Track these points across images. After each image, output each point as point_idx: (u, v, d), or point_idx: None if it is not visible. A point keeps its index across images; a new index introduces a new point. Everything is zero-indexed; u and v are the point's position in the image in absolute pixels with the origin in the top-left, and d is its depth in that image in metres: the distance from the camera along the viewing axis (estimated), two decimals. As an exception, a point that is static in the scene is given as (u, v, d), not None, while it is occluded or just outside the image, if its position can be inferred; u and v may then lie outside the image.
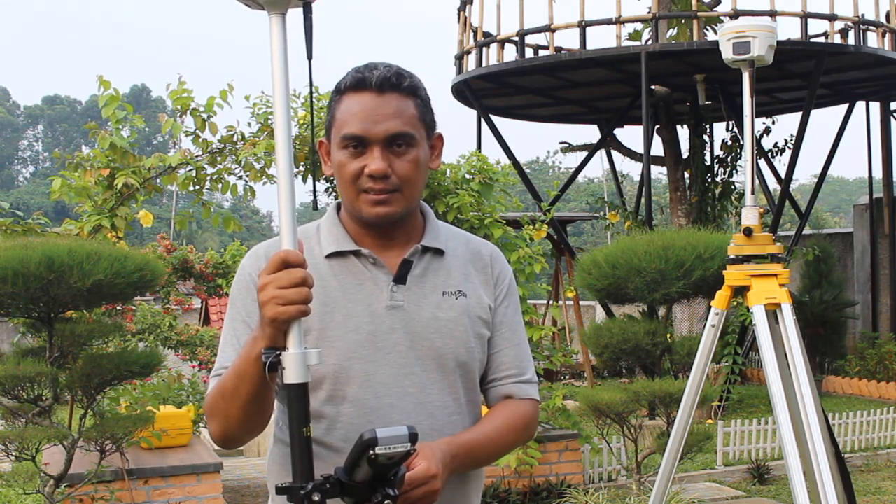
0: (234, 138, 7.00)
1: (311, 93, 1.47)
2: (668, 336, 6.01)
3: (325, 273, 1.71)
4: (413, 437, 1.33)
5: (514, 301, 1.85)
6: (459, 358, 1.72)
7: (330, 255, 1.73)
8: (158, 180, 6.77)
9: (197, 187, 6.97)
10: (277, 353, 1.37)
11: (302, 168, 7.48)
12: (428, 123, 1.72)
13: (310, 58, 1.44)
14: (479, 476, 1.82)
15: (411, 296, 1.71)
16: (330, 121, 1.72)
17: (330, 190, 7.66)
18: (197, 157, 6.88)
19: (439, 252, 1.76)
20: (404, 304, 1.70)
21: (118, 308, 7.70)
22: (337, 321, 1.68)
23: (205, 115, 6.76)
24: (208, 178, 6.99)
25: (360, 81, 1.66)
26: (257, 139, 7.03)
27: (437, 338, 1.70)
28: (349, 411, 1.66)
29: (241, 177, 7.13)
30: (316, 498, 1.32)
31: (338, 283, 1.71)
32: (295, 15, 1.41)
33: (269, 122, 7.26)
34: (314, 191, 1.67)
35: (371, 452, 1.31)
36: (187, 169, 6.85)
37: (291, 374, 1.35)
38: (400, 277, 1.71)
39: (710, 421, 9.05)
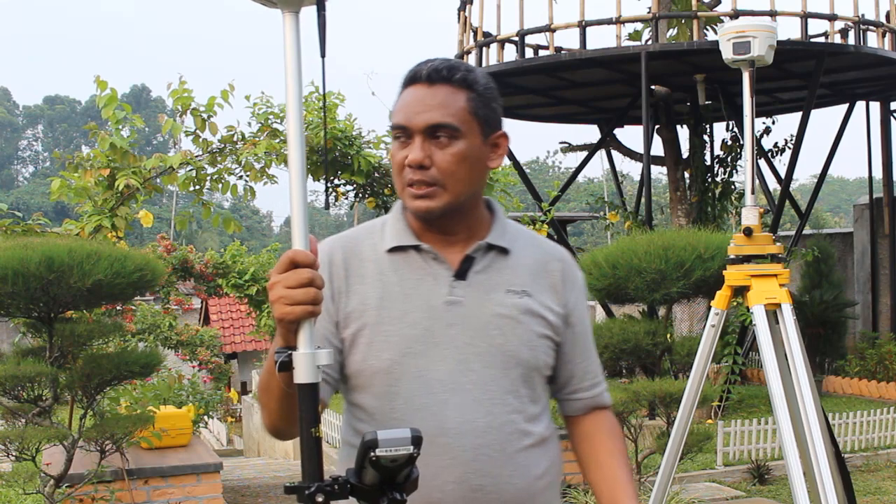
0: (235, 138, 7.00)
1: (324, 90, 1.45)
2: (668, 336, 6.01)
3: (386, 267, 1.70)
4: (416, 441, 1.31)
5: (586, 308, 1.83)
6: (521, 356, 1.68)
7: (391, 250, 1.71)
8: (159, 180, 6.77)
9: (197, 187, 6.97)
10: (289, 352, 1.36)
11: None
12: (484, 118, 1.67)
13: (323, 56, 1.42)
14: (561, 462, 1.82)
15: (472, 292, 1.68)
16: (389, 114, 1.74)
17: (331, 190, 7.66)
18: (197, 157, 6.88)
19: (504, 251, 1.72)
20: (464, 300, 1.67)
21: (118, 308, 7.70)
22: (393, 316, 1.66)
23: (205, 115, 6.77)
24: (208, 178, 6.99)
25: (414, 74, 1.67)
26: (257, 139, 7.03)
27: (499, 334, 1.67)
28: (401, 407, 1.64)
29: (241, 177, 7.13)
30: (319, 499, 1.31)
31: (397, 277, 1.69)
32: (308, 13, 1.40)
33: (270, 122, 7.26)
34: (326, 190, 1.67)
35: (372, 454, 1.30)
36: (187, 169, 6.86)
37: (301, 373, 1.34)
38: (461, 273, 1.69)
39: (710, 421, 9.04)
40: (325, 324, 1.67)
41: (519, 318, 1.69)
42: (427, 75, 1.65)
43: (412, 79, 1.67)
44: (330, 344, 1.66)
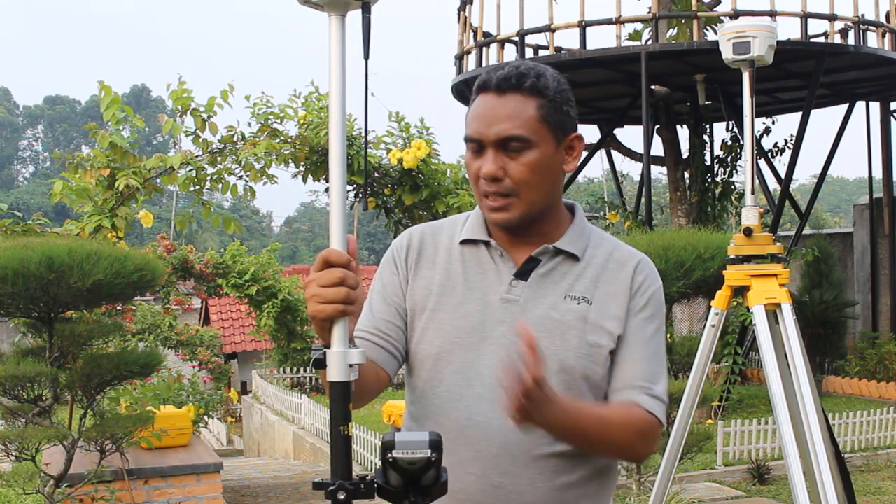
0: (235, 138, 7.01)
1: (366, 93, 1.46)
2: (669, 336, 6.01)
3: (455, 257, 1.74)
4: (434, 444, 1.30)
5: (654, 317, 1.72)
6: (566, 362, 1.66)
7: (463, 242, 1.75)
8: (159, 180, 6.78)
9: (197, 187, 6.98)
10: (323, 350, 1.38)
11: (302, 168, 7.49)
12: (556, 124, 1.66)
13: (366, 58, 1.42)
14: (612, 479, 1.78)
15: (529, 293, 1.69)
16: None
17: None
18: (197, 157, 6.88)
19: (574, 256, 1.72)
20: (520, 299, 1.69)
21: (118, 308, 7.71)
22: (450, 305, 1.70)
23: (205, 115, 6.77)
24: (208, 178, 7.00)
25: (485, 83, 1.67)
26: (257, 139, 7.03)
27: (545, 337, 1.65)
28: (443, 394, 1.69)
29: (241, 177, 7.14)
30: (341, 497, 1.31)
31: (463, 268, 1.73)
32: (353, 16, 1.41)
33: (270, 122, 7.27)
34: (364, 192, 1.67)
35: (389, 455, 1.30)
36: (187, 169, 6.86)
37: (333, 371, 1.36)
38: (522, 273, 1.70)
39: (710, 421, 9.04)
40: (399, 302, 1.74)
41: (572, 325, 1.67)
42: (497, 84, 1.64)
43: (482, 87, 1.67)
44: (404, 322, 1.73)
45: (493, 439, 1.65)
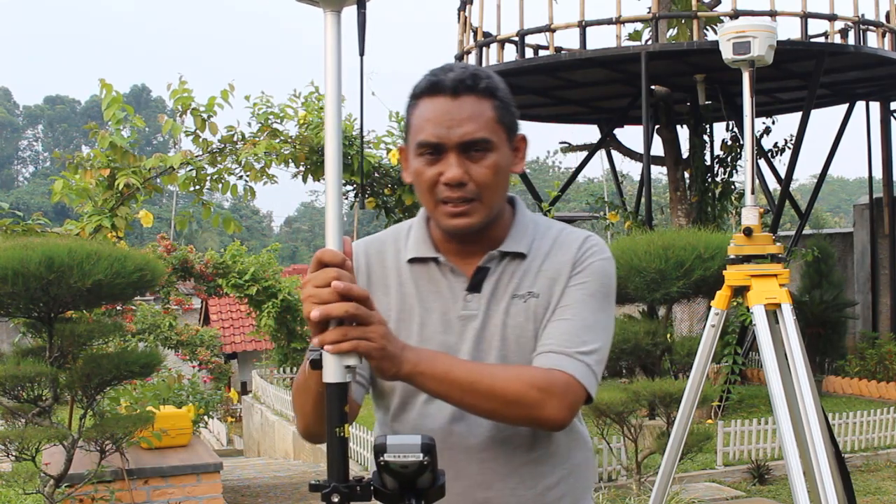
0: (235, 138, 7.01)
1: (361, 89, 1.44)
2: (668, 336, 6.02)
3: (406, 278, 1.69)
4: (426, 448, 1.30)
5: (589, 284, 1.64)
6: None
7: (411, 261, 1.70)
8: (159, 180, 6.78)
9: (197, 187, 6.98)
10: (320, 351, 1.37)
11: (302, 168, 7.49)
12: (508, 125, 1.63)
13: (362, 54, 1.41)
14: (590, 473, 1.77)
15: (484, 304, 1.65)
16: (406, 126, 1.66)
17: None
18: (197, 157, 6.88)
19: (520, 255, 1.67)
20: (477, 313, 1.65)
21: (118, 308, 7.71)
22: (412, 330, 1.66)
23: (205, 115, 6.77)
24: (208, 178, 7.00)
25: (434, 85, 1.59)
26: (257, 139, 7.03)
27: (502, 346, 1.64)
28: (413, 419, 1.66)
29: (241, 177, 7.14)
30: (335, 499, 1.31)
31: (416, 290, 1.68)
32: (348, 13, 1.40)
33: (269, 122, 7.27)
34: (362, 192, 1.65)
35: (381, 458, 1.30)
36: (188, 169, 6.86)
37: (329, 373, 1.35)
38: (473, 286, 1.66)
39: (710, 421, 9.04)
40: None
41: (524, 325, 1.65)
42: (452, 86, 1.58)
43: (431, 89, 1.59)
44: None
45: (472, 457, 1.64)
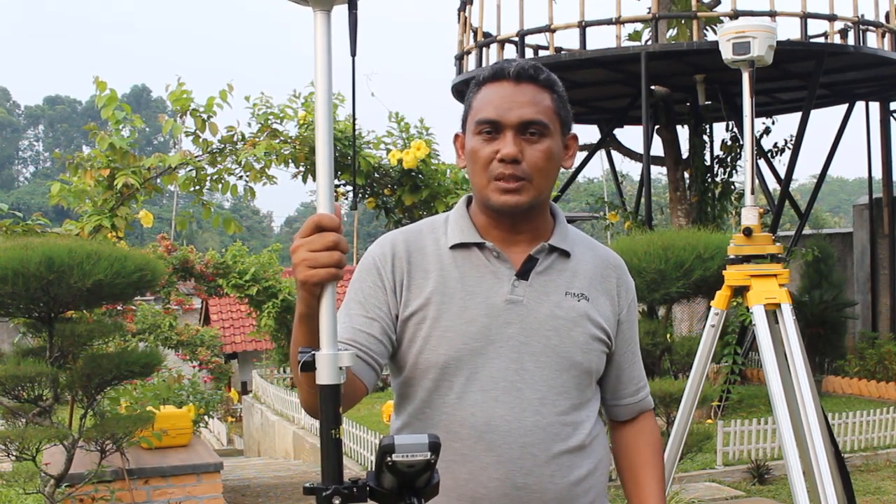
0: (234, 139, 7.01)
1: (353, 90, 1.44)
2: (668, 336, 6.02)
3: (448, 264, 1.72)
4: (433, 447, 1.30)
5: (636, 314, 1.86)
6: (574, 358, 1.71)
7: (454, 247, 1.73)
8: (158, 180, 6.78)
9: (197, 188, 6.97)
10: (312, 353, 1.35)
11: (302, 168, 7.49)
12: (563, 119, 1.73)
13: (353, 54, 1.41)
14: (608, 469, 1.83)
15: (532, 292, 1.71)
16: (466, 112, 1.74)
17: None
18: (197, 157, 6.88)
19: (565, 253, 1.75)
20: (524, 299, 1.70)
21: (118, 308, 7.71)
22: (453, 312, 1.68)
23: (205, 116, 6.77)
24: (208, 178, 7.00)
25: (499, 72, 1.69)
26: (257, 139, 7.03)
27: (554, 335, 1.70)
28: (452, 402, 1.68)
29: (241, 177, 7.14)
30: (336, 501, 1.29)
31: (458, 274, 1.71)
32: (339, 12, 1.40)
33: (269, 122, 7.27)
34: (354, 191, 1.66)
35: (388, 459, 1.29)
36: (187, 169, 6.86)
37: (323, 374, 1.33)
38: (523, 273, 1.71)
39: (710, 421, 9.04)
40: (383, 315, 1.69)
41: (576, 321, 1.71)
42: (515, 73, 1.68)
43: (496, 76, 1.69)
44: (385, 335, 1.69)
45: (514, 441, 1.66)
